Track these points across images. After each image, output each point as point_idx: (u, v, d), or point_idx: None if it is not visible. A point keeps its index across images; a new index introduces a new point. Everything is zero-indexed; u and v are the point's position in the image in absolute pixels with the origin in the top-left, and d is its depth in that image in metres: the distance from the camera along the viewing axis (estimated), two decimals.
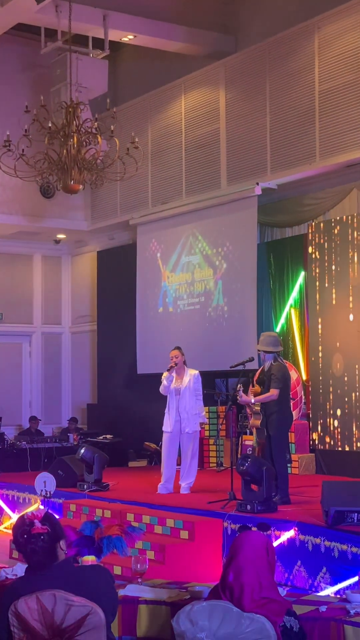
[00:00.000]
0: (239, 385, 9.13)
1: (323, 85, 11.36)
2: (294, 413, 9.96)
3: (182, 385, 9.91)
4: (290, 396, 9.43)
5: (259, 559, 4.09)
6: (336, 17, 11.20)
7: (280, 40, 12.03)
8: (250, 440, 10.34)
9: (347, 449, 11.05)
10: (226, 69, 12.97)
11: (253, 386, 9.11)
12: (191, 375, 9.94)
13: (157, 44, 13.67)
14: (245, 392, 9.04)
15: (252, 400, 8.85)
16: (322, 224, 11.68)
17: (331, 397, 11.33)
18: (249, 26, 13.56)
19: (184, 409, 9.87)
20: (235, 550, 4.20)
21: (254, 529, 4.91)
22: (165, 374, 10.01)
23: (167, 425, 9.98)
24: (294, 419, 9.75)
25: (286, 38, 11.94)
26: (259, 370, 9.61)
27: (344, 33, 11.08)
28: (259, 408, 8.85)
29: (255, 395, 8.93)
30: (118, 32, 13.18)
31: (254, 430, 9.08)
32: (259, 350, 9.14)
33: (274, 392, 8.75)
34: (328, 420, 11.35)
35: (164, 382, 9.98)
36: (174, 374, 9.98)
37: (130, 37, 13.38)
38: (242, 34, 13.69)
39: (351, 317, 11.13)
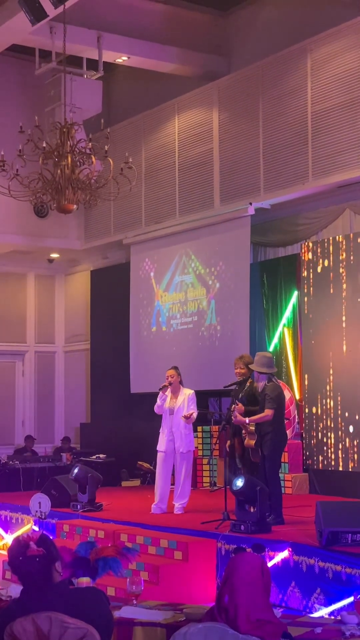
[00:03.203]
0: (232, 406, 9.13)
1: (316, 107, 11.44)
2: (287, 432, 9.95)
3: (176, 404, 9.90)
4: (285, 416, 9.42)
5: (254, 580, 4.08)
6: (328, 39, 11.30)
7: (273, 61, 12.12)
8: None
9: (340, 468, 11.05)
10: (219, 89, 13.05)
11: (236, 404, 9.10)
12: (186, 395, 9.94)
13: (150, 65, 13.76)
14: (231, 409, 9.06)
15: (247, 421, 8.85)
16: (315, 244, 11.73)
17: (324, 417, 11.34)
18: (242, 47, 13.66)
19: (177, 428, 9.86)
20: (230, 572, 4.20)
21: (248, 550, 4.91)
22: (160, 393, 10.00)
23: (161, 445, 9.96)
24: (288, 438, 9.75)
25: (279, 59, 12.03)
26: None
27: (336, 55, 11.18)
28: (253, 428, 8.86)
29: (239, 413, 8.93)
30: (112, 53, 13.27)
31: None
32: (252, 370, 9.11)
33: (268, 413, 8.75)
34: (321, 439, 11.35)
35: (158, 401, 9.97)
36: (167, 393, 9.96)
37: (124, 58, 13.46)
38: (235, 55, 13.80)
39: (344, 336, 11.16)
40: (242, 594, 4.08)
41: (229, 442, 9.29)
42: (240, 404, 9.06)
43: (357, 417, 10.90)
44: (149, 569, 7.79)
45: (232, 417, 8.95)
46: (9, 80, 15.21)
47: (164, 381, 10.04)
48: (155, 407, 10.01)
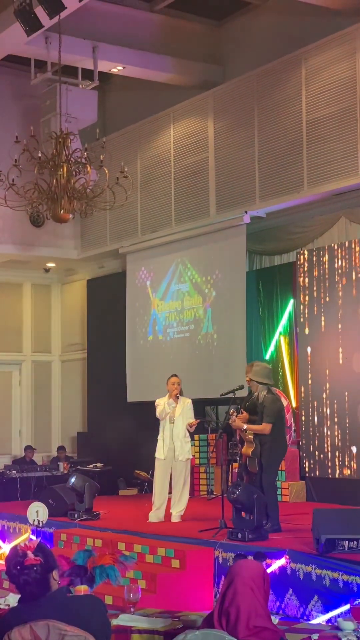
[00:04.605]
0: (231, 410, 9.13)
1: (310, 115, 11.49)
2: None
3: (176, 413, 9.93)
4: (286, 425, 9.41)
5: (256, 586, 4.10)
6: (322, 48, 11.35)
7: (268, 70, 12.17)
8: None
9: (337, 476, 11.06)
10: (215, 99, 13.10)
11: (241, 413, 9.11)
12: (184, 403, 9.98)
13: (146, 75, 13.80)
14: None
15: (245, 427, 8.85)
16: (310, 252, 11.76)
17: (321, 425, 11.35)
18: (236, 57, 13.71)
19: (177, 436, 9.89)
20: (233, 576, 4.22)
21: (250, 558, 4.93)
22: (165, 399, 9.96)
23: (160, 452, 9.97)
24: (287, 449, 9.72)
25: (274, 69, 12.08)
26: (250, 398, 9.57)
27: (330, 64, 11.23)
28: (252, 437, 8.84)
29: (243, 421, 8.92)
30: (107, 63, 13.31)
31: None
32: (251, 380, 9.09)
33: (266, 427, 8.74)
34: (318, 447, 11.36)
35: (166, 408, 9.93)
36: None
37: (120, 68, 13.51)
38: (230, 64, 13.85)
39: (340, 344, 11.18)
40: (244, 598, 4.11)
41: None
42: (245, 413, 9.06)
43: (353, 425, 10.92)
44: (146, 577, 7.79)
45: (230, 421, 8.94)
46: (4, 91, 15.26)
47: (160, 390, 10.07)
48: (162, 412, 9.95)
